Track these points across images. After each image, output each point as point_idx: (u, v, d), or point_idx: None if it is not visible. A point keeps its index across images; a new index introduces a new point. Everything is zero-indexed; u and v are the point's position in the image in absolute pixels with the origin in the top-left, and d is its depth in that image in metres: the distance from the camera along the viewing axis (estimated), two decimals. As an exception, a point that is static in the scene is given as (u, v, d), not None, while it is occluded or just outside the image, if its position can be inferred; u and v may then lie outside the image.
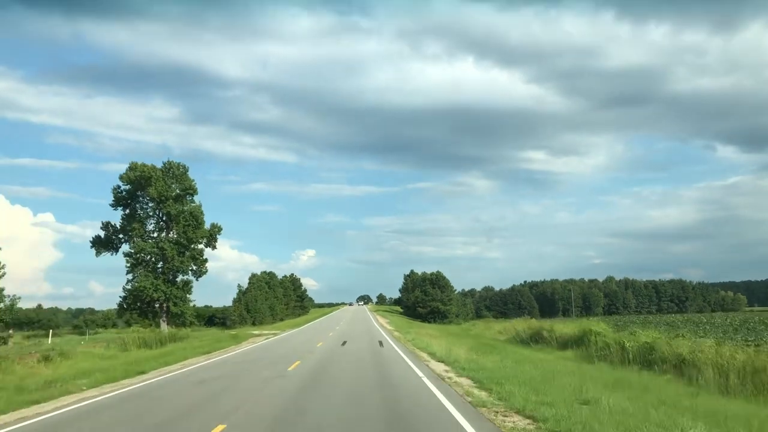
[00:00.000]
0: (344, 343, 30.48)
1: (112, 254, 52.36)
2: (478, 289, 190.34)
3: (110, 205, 51.39)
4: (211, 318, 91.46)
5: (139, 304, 50.52)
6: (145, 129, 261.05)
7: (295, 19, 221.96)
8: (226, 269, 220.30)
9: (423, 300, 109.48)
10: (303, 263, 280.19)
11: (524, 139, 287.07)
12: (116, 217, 52.38)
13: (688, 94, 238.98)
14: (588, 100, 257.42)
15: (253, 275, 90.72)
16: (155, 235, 52.32)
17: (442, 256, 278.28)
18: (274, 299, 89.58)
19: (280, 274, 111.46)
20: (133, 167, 50.56)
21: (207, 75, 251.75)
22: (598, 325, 27.47)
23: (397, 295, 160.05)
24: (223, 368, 18.83)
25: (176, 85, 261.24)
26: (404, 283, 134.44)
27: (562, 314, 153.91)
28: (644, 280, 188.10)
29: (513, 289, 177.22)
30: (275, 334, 43.95)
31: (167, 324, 49.46)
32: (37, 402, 12.07)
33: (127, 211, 51.91)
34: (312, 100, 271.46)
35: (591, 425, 7.90)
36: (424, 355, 21.88)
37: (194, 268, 52.62)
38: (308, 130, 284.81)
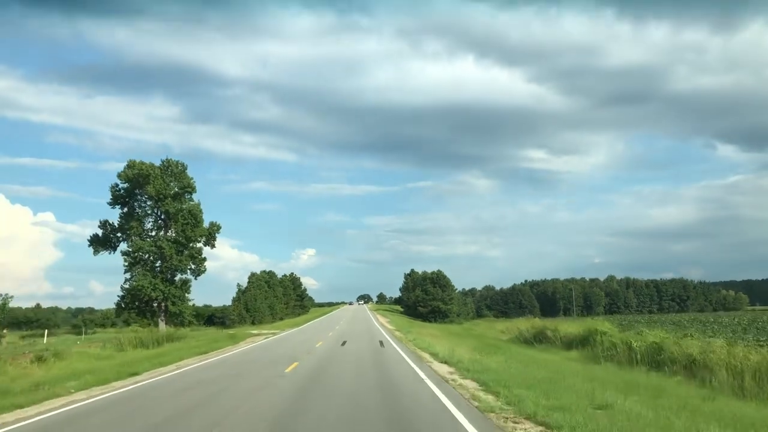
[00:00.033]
0: (344, 343, 29.91)
1: (110, 253, 51.78)
2: (479, 288, 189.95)
3: (108, 203, 50.81)
4: (211, 317, 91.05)
5: (137, 303, 49.96)
6: (145, 128, 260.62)
7: (295, 18, 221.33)
8: (225, 268, 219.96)
9: (424, 299, 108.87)
10: (303, 262, 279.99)
11: (524, 138, 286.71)
12: (114, 216, 51.73)
13: (689, 93, 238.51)
14: (588, 99, 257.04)
15: (253, 274, 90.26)
16: (153, 233, 51.74)
17: (443, 255, 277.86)
18: (273, 298, 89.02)
19: (280, 274, 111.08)
20: (131, 165, 49.96)
21: (207, 74, 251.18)
22: (603, 324, 26.92)
23: (397, 294, 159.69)
24: (219, 370, 18.25)
25: (176, 84, 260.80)
26: (405, 282, 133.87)
27: (563, 313, 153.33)
28: (645, 279, 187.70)
29: (514, 288, 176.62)
30: (274, 334, 43.38)
31: (166, 323, 48.93)
32: (21, 406, 11.48)
33: (125, 209, 51.31)
34: (312, 99, 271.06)
35: (610, 434, 7.32)
36: (427, 356, 21.29)
37: (193, 267, 52.04)
38: (308, 129, 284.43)
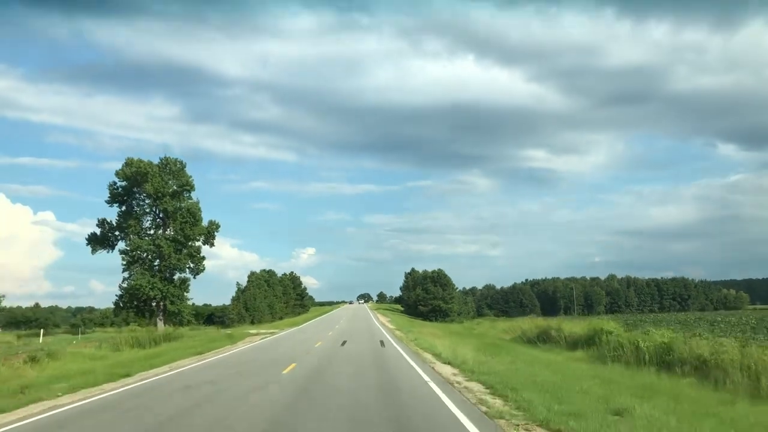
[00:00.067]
0: (344, 343, 29.37)
1: (108, 252, 51.39)
2: (479, 287, 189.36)
3: (106, 201, 50.36)
4: (210, 317, 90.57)
5: (135, 302, 49.50)
6: (145, 128, 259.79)
7: (295, 18, 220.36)
8: (226, 267, 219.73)
9: (424, 298, 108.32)
10: (303, 261, 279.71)
11: (525, 138, 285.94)
12: (112, 214, 51.22)
13: (689, 93, 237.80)
14: (588, 99, 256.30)
15: (252, 273, 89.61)
16: (152, 232, 51.28)
17: (443, 254, 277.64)
18: (273, 297, 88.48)
19: (280, 273, 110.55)
20: (129, 163, 49.46)
21: (207, 74, 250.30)
22: (608, 324, 26.28)
23: (397, 293, 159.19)
24: (212, 371, 17.60)
25: (176, 83, 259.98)
26: (405, 281, 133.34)
27: (564, 312, 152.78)
28: (646, 278, 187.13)
29: (514, 287, 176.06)
30: (272, 334, 42.82)
31: (164, 323, 48.43)
32: (2, 411, 10.91)
33: (124, 207, 50.87)
34: (312, 98, 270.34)
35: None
36: (429, 356, 20.73)
37: (192, 265, 51.58)
38: (308, 129, 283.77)
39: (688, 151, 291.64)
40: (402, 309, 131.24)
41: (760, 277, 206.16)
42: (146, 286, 47.22)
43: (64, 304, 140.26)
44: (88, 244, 50.93)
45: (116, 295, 50.32)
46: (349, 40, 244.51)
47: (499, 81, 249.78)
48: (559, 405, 9.30)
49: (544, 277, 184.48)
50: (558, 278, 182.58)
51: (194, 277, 51.77)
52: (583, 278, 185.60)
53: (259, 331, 47.03)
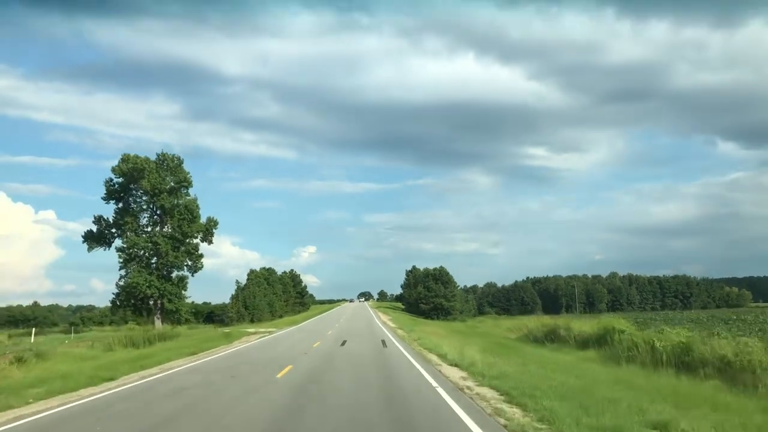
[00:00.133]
0: (344, 342, 28.35)
1: (104, 249, 50.40)
2: (480, 285, 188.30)
3: (102, 198, 49.35)
4: (210, 315, 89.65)
5: (132, 300, 48.54)
6: (146, 126, 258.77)
7: (296, 17, 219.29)
8: (226, 266, 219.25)
9: (426, 296, 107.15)
10: (304, 260, 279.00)
11: (525, 136, 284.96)
12: (109, 211, 50.17)
13: (689, 90, 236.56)
14: (589, 96, 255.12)
15: (252, 271, 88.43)
16: (149, 229, 50.27)
17: (443, 252, 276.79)
18: (273, 296, 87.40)
19: (280, 271, 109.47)
20: (125, 159, 48.45)
21: (207, 72, 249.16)
22: (620, 322, 25.27)
23: (398, 291, 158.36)
24: (204, 373, 16.52)
25: (176, 82, 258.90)
26: (406, 279, 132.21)
27: (566, 310, 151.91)
28: (648, 276, 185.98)
29: (516, 285, 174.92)
30: (270, 333, 41.79)
31: (162, 321, 47.49)
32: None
33: (120, 204, 49.85)
34: (312, 96, 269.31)
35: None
36: (434, 358, 19.70)
37: (189, 263, 50.59)
38: (308, 127, 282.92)
39: (689, 148, 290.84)
40: (403, 307, 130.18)
41: (762, 275, 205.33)
42: (143, 284, 46.28)
43: (64, 303, 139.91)
44: (84, 242, 49.96)
45: (113, 294, 49.39)
46: (349, 39, 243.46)
47: (499, 79, 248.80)
48: (587, 416, 8.26)
49: (545, 275, 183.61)
50: (559, 276, 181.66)
51: (192, 275, 50.84)
52: (585, 276, 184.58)
53: (258, 330, 46.03)
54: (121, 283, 48.13)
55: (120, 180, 48.64)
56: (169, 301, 48.25)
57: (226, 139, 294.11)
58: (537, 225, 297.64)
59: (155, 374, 16.71)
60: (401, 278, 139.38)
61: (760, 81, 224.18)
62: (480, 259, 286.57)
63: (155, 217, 50.33)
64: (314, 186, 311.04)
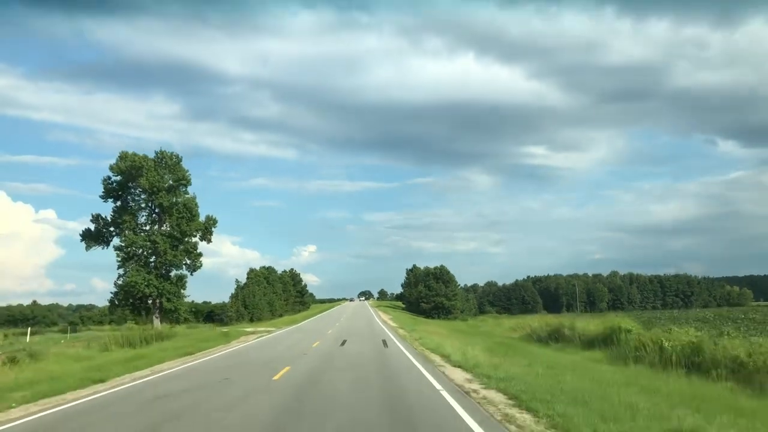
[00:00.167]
0: (344, 342, 27.83)
1: (102, 248, 49.88)
2: (481, 284, 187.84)
3: (100, 196, 48.80)
4: (210, 314, 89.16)
5: (130, 300, 48.03)
6: (146, 126, 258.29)
7: (295, 16, 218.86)
8: (227, 265, 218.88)
9: (427, 295, 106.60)
10: (304, 259, 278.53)
11: (525, 135, 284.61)
12: (107, 210, 49.70)
13: (689, 89, 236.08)
14: (589, 96, 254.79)
15: (252, 270, 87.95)
16: (147, 227, 49.75)
17: (443, 251, 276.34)
18: (272, 295, 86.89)
19: (281, 270, 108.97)
20: (123, 157, 47.90)
21: (207, 72, 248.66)
22: (626, 321, 24.77)
23: (398, 290, 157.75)
24: (197, 376, 15.96)
25: (177, 81, 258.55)
26: (407, 278, 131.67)
27: (566, 309, 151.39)
28: (649, 274, 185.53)
29: (516, 284, 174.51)
30: (269, 332, 41.27)
31: (161, 321, 47.00)
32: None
33: (118, 203, 49.32)
34: (312, 96, 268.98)
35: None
36: (437, 358, 19.19)
37: (188, 262, 50.05)
38: (309, 127, 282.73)
39: (689, 147, 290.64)
40: (403, 306, 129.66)
41: (762, 273, 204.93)
42: (141, 283, 45.78)
43: (65, 302, 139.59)
44: (82, 240, 49.43)
45: (111, 293, 48.89)
46: (349, 39, 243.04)
47: (499, 78, 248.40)
48: (605, 423, 7.73)
49: (545, 274, 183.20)
50: (560, 275, 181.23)
51: (191, 274, 50.32)
52: (585, 275, 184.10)
53: (256, 330, 45.54)
54: (120, 282, 47.66)
55: (118, 178, 48.11)
56: (168, 300, 47.74)
57: (226, 139, 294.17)
58: (537, 224, 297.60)
59: (147, 376, 16.16)
60: (402, 277, 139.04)
61: (760, 80, 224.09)
62: (480, 258, 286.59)
63: (154, 215, 49.82)
64: (314, 185, 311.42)
